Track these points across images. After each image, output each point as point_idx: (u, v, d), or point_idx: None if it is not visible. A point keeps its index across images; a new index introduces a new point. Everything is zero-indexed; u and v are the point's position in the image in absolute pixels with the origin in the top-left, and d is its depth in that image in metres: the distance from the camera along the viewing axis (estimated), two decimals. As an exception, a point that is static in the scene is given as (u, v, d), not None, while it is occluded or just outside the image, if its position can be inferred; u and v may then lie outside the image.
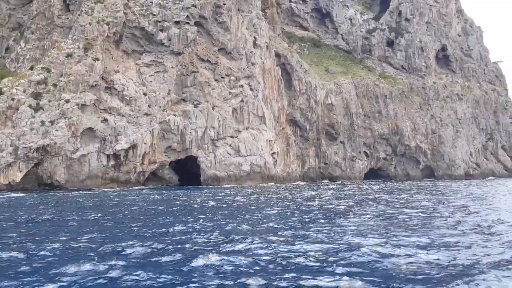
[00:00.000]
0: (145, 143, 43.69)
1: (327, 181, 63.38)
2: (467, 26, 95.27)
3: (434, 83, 79.49)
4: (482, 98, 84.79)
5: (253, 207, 20.55)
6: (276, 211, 18.01)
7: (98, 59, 45.04)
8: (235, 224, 14.01)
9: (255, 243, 10.05)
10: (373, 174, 72.87)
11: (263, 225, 13.98)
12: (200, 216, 16.66)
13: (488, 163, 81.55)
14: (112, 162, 42.12)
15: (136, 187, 42.29)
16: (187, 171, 49.28)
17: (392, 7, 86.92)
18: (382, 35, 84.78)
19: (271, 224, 14.26)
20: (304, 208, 19.94)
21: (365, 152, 69.91)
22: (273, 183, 49.98)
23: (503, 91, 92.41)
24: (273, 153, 53.19)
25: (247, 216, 16.95)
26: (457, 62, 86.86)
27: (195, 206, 21.77)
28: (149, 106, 45.59)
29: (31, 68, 45.36)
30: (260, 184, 47.44)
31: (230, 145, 48.29)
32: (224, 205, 21.72)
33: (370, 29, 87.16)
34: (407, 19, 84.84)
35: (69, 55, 44.72)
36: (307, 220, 15.43)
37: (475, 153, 79.90)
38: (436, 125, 76.22)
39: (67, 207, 21.49)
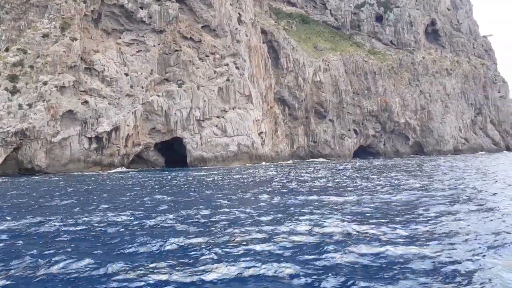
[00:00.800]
0: (128, 125, 42.56)
1: (321, 159, 63.04)
2: (457, 0, 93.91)
3: (423, 58, 78.70)
4: (471, 73, 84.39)
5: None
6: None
7: (76, 39, 43.25)
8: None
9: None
10: (362, 152, 72.78)
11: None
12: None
13: (477, 138, 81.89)
14: (94, 145, 41.03)
15: (121, 170, 41.41)
16: (174, 152, 48.42)
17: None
18: (371, 10, 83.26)
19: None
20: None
21: (354, 130, 69.54)
22: (263, 163, 49.46)
23: (492, 66, 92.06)
24: (261, 132, 52.42)
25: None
26: (447, 36, 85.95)
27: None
28: (131, 86, 44.23)
29: (7, 50, 43.41)
30: (247, 164, 46.87)
31: (217, 126, 47.37)
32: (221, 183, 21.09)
33: (359, 4, 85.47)
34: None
35: (45, 35, 42.85)
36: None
37: (464, 128, 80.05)
38: (425, 101, 75.89)
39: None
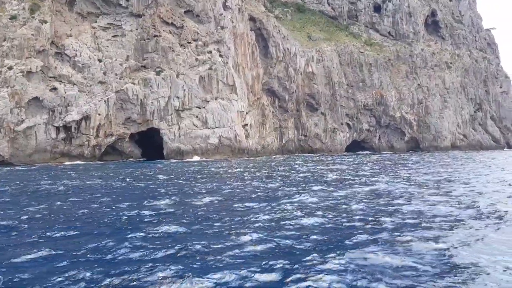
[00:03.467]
0: (99, 114, 39.95)
1: (308, 154, 60.37)
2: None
3: (422, 50, 75.50)
4: (471, 67, 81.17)
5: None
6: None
7: (46, 22, 40.53)
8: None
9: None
10: (356, 146, 70.01)
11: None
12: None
13: (476, 134, 78.90)
14: (62, 135, 38.48)
15: (91, 162, 38.89)
16: (152, 144, 45.84)
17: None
18: (369, 0, 79.90)
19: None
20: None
21: (347, 124, 66.71)
22: (245, 157, 46.84)
23: (494, 60, 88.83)
24: (245, 124, 49.71)
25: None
26: (447, 28, 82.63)
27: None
28: (104, 73, 41.54)
29: (-27, 32, 40.79)
30: (226, 158, 44.24)
31: (197, 116, 44.70)
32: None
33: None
34: (395, -18, 79.70)
35: (13, 17, 40.13)
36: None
37: (463, 124, 77.05)
38: (423, 95, 72.86)
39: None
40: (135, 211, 10.63)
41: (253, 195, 13.63)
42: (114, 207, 11.35)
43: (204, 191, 14.98)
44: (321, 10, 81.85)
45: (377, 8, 79.86)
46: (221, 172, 24.71)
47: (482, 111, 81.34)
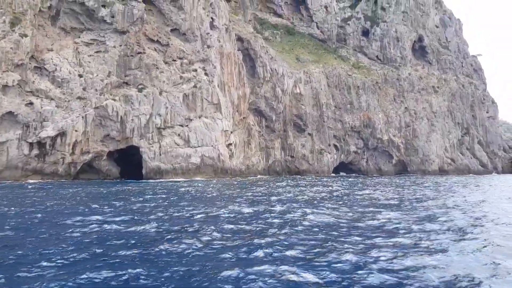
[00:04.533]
0: (76, 131, 38.63)
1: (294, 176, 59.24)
2: (446, 18, 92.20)
3: (409, 74, 76.08)
4: (458, 91, 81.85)
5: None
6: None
7: (26, 36, 39.65)
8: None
9: None
10: (344, 168, 69.25)
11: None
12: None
13: (464, 159, 78.73)
14: (35, 151, 36.97)
15: (65, 180, 37.30)
16: (132, 163, 44.41)
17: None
18: (358, 24, 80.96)
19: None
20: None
21: (334, 145, 66.06)
22: (228, 178, 45.57)
23: (480, 85, 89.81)
24: (230, 144, 48.70)
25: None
26: (434, 53, 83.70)
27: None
28: (84, 89, 40.49)
29: (-50, 44, 39.72)
30: (208, 178, 42.91)
31: (179, 135, 43.58)
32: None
33: (346, 17, 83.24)
34: (383, 8, 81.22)
35: (-8, 30, 39.21)
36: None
37: (451, 148, 76.94)
38: (410, 118, 72.88)
39: None
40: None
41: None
42: None
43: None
44: (311, 33, 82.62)
45: (365, 33, 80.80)
46: (185, 192, 23.45)
47: (470, 136, 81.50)
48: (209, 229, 10.58)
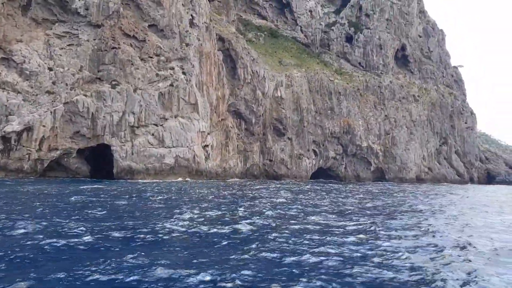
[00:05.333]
0: (43, 126, 36.91)
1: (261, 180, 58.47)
2: (429, 28, 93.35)
3: (391, 82, 76.48)
4: (438, 101, 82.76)
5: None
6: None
7: (-7, 24, 37.80)
8: None
9: None
10: (322, 174, 68.89)
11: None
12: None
13: (441, 168, 79.57)
14: (-1, 147, 35.15)
15: (31, 178, 35.54)
16: (104, 161, 42.85)
17: (353, 1, 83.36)
18: (342, 30, 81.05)
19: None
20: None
21: (313, 150, 65.65)
22: (204, 180, 44.49)
23: (460, 96, 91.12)
24: (206, 145, 47.63)
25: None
26: (416, 63, 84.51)
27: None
28: (54, 83, 38.80)
29: None
30: (182, 180, 41.71)
31: (153, 134, 42.26)
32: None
33: (330, 22, 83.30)
34: (367, 15, 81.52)
35: (-43, 17, 37.24)
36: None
37: (428, 157, 77.63)
38: (389, 126, 73.18)
39: None
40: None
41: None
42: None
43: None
44: (295, 36, 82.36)
45: (349, 39, 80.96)
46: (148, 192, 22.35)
47: (447, 145, 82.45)
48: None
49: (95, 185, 28.93)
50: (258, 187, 36.87)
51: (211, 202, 19.96)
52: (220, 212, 15.51)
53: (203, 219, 13.62)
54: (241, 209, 16.97)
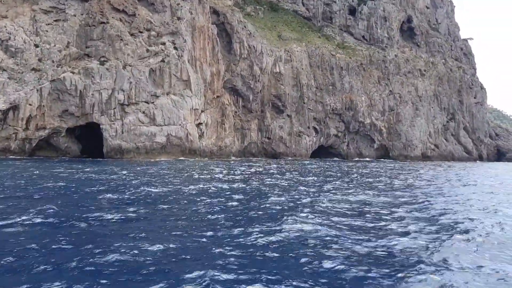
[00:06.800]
0: (30, 104, 36.17)
1: (255, 159, 57.43)
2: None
3: (396, 56, 73.73)
4: (446, 75, 79.80)
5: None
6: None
7: (-24, 0, 36.65)
8: None
9: None
10: (323, 152, 67.54)
11: None
12: None
13: (448, 145, 77.42)
14: (-17, 126, 34.59)
15: (20, 157, 35.05)
16: (95, 140, 42.16)
17: (357, -29, 79.68)
18: (345, 2, 77.95)
19: None
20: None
21: (314, 128, 64.12)
22: (197, 158, 43.62)
23: (469, 70, 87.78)
24: (200, 123, 46.55)
25: None
26: (423, 35, 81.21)
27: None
28: (40, 60, 37.79)
29: None
30: (175, 159, 40.87)
31: (144, 112, 41.26)
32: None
33: (333, -6, 79.96)
34: (372, -14, 77.93)
35: None
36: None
37: (435, 134, 75.45)
38: (394, 102, 70.95)
39: None
40: None
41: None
42: None
43: None
44: (295, 10, 79.46)
45: (352, 11, 77.93)
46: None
47: (455, 121, 80.00)
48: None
49: (70, 167, 28.16)
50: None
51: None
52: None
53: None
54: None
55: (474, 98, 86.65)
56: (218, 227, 8.17)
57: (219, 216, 9.33)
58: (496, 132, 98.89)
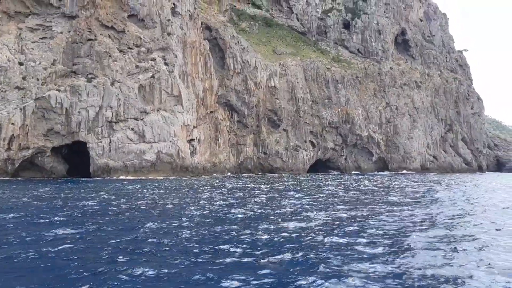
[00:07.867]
0: (12, 124, 34.87)
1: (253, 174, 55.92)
2: (430, 11, 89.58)
3: (391, 68, 73.15)
4: (442, 87, 79.14)
5: None
6: None
7: (-41, 18, 35.78)
8: None
9: None
10: (321, 166, 66.13)
11: None
12: None
13: (447, 156, 76.13)
14: (-36, 147, 33.19)
15: (3, 178, 33.53)
16: (82, 159, 40.72)
17: (350, -15, 79.96)
18: (339, 16, 77.86)
19: None
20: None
21: (311, 142, 62.84)
22: (189, 176, 42.10)
23: (465, 81, 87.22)
24: (192, 139, 45.21)
25: None
26: (417, 47, 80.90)
27: None
28: (24, 78, 36.70)
29: None
30: (165, 177, 39.34)
31: (132, 129, 39.95)
32: None
33: (326, 9, 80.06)
34: (364, -1, 78.11)
35: None
36: None
37: (433, 145, 74.24)
38: (391, 114, 69.99)
39: None
40: None
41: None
42: None
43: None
44: (290, 25, 79.29)
45: (347, 25, 77.75)
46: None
47: (453, 133, 78.91)
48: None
49: (64, 186, 26.67)
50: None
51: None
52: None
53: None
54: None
55: (471, 108, 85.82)
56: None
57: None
58: (495, 142, 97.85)
